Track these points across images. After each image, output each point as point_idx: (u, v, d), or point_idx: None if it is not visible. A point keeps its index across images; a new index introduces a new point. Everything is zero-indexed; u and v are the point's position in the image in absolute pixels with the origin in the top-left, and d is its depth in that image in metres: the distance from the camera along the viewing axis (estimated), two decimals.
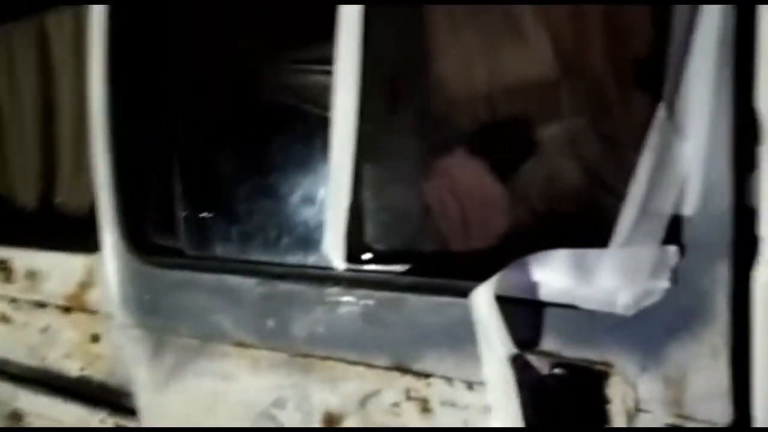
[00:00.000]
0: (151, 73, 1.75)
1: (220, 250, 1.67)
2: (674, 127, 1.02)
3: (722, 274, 0.99)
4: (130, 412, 1.88)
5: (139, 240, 1.76)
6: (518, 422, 1.12)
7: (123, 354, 1.86)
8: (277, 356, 1.52)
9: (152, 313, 1.75)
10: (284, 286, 1.49)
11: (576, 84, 1.25)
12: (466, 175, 1.35)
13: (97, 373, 2.01)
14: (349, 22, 1.34)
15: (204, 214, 1.70)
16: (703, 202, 1.01)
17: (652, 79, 1.05)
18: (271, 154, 1.61)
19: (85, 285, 1.95)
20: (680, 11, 1.02)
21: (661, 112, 1.02)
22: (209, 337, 1.64)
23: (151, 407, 1.83)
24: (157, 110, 1.75)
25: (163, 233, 1.77)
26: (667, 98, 1.02)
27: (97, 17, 1.77)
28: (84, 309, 1.98)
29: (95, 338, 1.98)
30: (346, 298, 1.38)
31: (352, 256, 1.38)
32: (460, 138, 1.37)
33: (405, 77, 1.43)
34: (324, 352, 1.44)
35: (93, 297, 1.94)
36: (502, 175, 1.31)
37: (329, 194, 1.39)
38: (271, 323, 1.51)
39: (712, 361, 1.00)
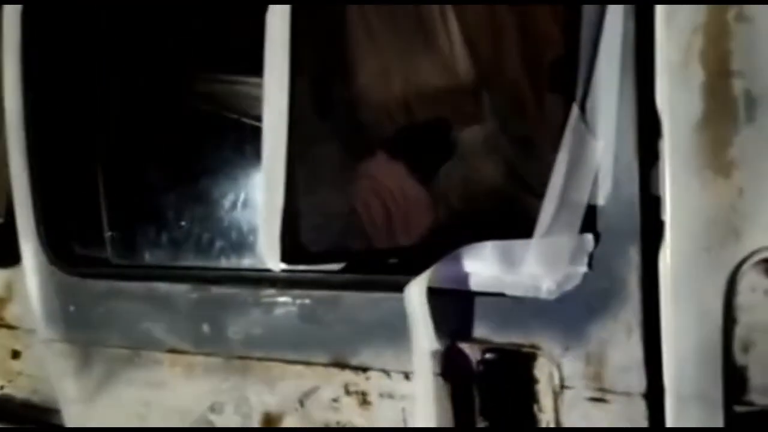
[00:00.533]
0: (71, 78, 1.71)
1: (149, 257, 1.65)
2: (586, 125, 1.11)
3: (633, 257, 1.08)
4: (57, 428, 1.82)
5: (62, 251, 1.71)
6: (434, 414, 1.19)
7: (47, 369, 1.80)
8: (213, 361, 1.52)
9: (78, 326, 1.70)
10: (219, 290, 1.49)
11: (492, 87, 1.33)
12: (388, 177, 1.41)
13: (18, 390, 1.93)
14: (278, 26, 1.35)
15: (130, 222, 1.68)
16: (614, 193, 1.10)
17: (565, 81, 1.14)
18: (198, 159, 1.61)
19: (4, 300, 1.88)
20: (588, 15, 1.10)
21: (574, 112, 1.11)
22: (140, 346, 1.61)
23: (79, 421, 1.77)
24: (79, 114, 1.70)
25: (87, 243, 1.72)
26: (579, 99, 1.11)
27: (11, 19, 1.70)
28: (3, 325, 1.90)
29: (16, 354, 1.91)
30: (282, 299, 1.40)
31: (288, 256, 1.40)
32: (382, 142, 1.42)
33: (331, 83, 1.47)
34: (262, 354, 1.45)
35: (12, 312, 1.87)
36: (423, 176, 1.38)
37: (263, 196, 1.40)
38: (206, 328, 1.51)
39: (627, 337, 1.10)
